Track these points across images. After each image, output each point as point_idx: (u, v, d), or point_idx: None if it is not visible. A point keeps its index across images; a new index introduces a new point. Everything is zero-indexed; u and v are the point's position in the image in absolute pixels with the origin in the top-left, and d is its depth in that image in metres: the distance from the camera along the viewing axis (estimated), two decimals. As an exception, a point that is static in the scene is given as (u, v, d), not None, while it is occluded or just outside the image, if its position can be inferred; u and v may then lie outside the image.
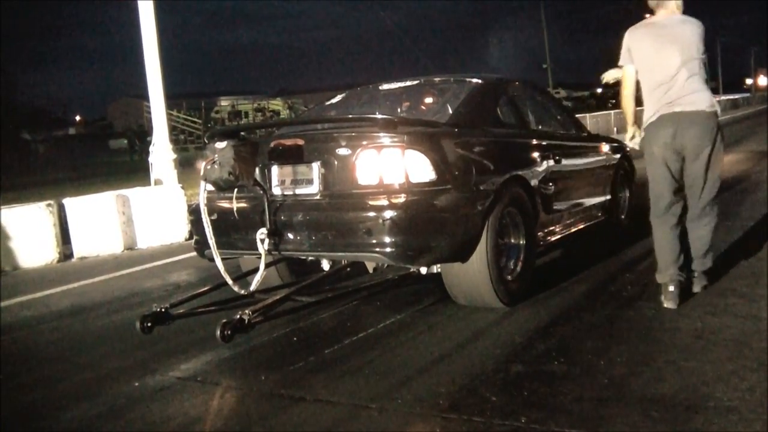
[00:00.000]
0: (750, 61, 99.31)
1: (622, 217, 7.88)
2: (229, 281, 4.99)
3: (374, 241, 4.63)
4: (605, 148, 7.58)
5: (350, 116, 5.80)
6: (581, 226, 6.77)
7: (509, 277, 5.35)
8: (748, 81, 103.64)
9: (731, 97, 67.60)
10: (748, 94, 78.35)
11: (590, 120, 26.46)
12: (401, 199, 4.64)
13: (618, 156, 7.80)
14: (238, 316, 4.24)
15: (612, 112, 33.14)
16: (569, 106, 45.58)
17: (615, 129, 29.47)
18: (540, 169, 5.87)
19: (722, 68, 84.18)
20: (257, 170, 5.05)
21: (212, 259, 5.09)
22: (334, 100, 6.74)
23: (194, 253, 5.73)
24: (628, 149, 8.26)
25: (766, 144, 19.14)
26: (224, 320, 4.19)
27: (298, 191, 5.01)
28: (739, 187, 11.04)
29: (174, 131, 41.59)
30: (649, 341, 4.40)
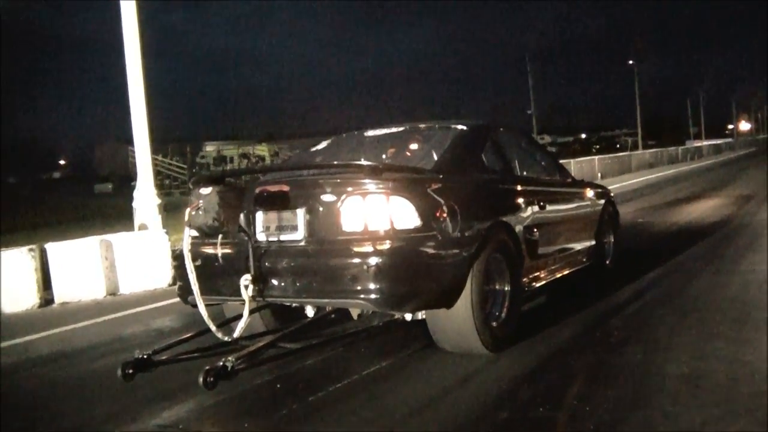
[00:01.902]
0: (731, 106, 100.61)
1: (607, 262, 7.90)
2: (213, 328, 4.95)
3: (359, 288, 4.61)
4: (590, 193, 7.63)
5: (335, 162, 5.81)
6: (566, 272, 6.78)
7: (494, 324, 5.33)
8: (730, 126, 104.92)
9: (714, 142, 68.34)
10: (730, 139, 79.24)
11: (575, 165, 26.63)
12: (386, 245, 4.63)
13: (603, 201, 7.85)
14: (222, 363, 4.19)
15: (596, 157, 33.40)
16: (554, 151, 45.96)
17: (599, 174, 29.67)
18: (525, 215, 5.89)
19: (704, 114, 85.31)
20: (242, 216, 5.04)
21: (195, 305, 5.04)
22: (319, 147, 6.76)
23: (178, 299, 5.68)
24: (612, 195, 8.34)
25: (749, 188, 19.34)
26: (207, 367, 4.14)
27: (282, 237, 4.99)
28: (724, 231, 11.12)
29: (159, 176, 41.55)
30: (636, 386, 4.37)
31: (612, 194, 8.40)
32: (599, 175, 29.55)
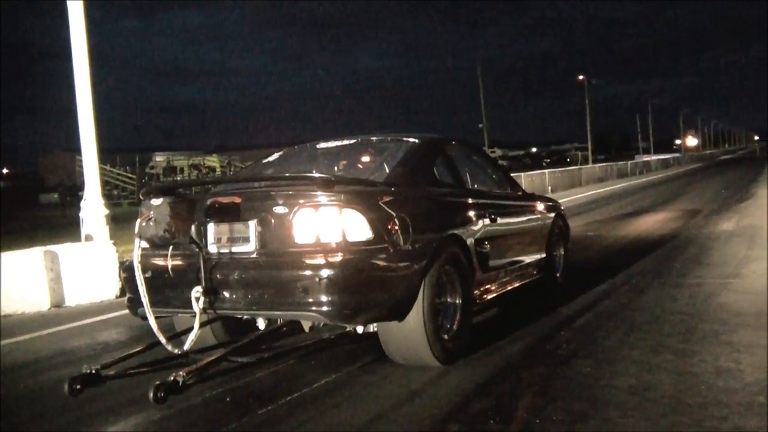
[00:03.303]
0: (679, 122, 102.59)
1: (558, 275, 7.98)
2: (163, 341, 4.88)
3: (311, 300, 4.59)
4: (540, 206, 7.70)
5: (288, 174, 5.79)
6: (517, 284, 6.84)
7: (446, 336, 5.34)
8: (678, 141, 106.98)
9: (662, 157, 69.54)
10: (678, 155, 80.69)
11: (525, 179, 26.87)
12: (338, 257, 4.63)
13: (553, 215, 7.93)
14: (172, 378, 4.14)
15: (547, 171, 33.77)
16: (505, 165, 46.35)
17: (550, 188, 30.01)
18: (476, 228, 5.92)
19: (653, 129, 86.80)
20: (193, 228, 4.98)
21: (145, 318, 4.97)
22: (271, 158, 6.73)
23: (125, 311, 5.61)
24: (562, 208, 8.43)
25: (695, 202, 19.72)
26: (157, 381, 4.09)
27: (234, 249, 4.95)
28: (672, 244, 11.31)
29: (107, 186, 41.03)
30: (585, 399, 4.41)
31: (562, 208, 8.50)
32: (550, 188, 29.89)
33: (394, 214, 4.95)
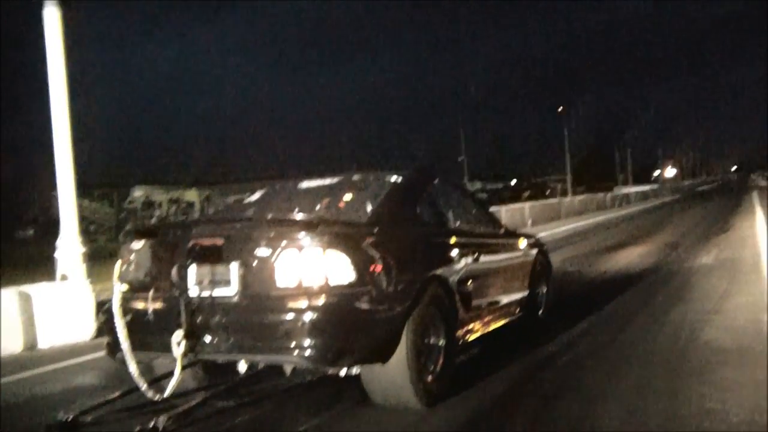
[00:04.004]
0: (658, 153, 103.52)
1: (540, 312, 7.95)
2: (143, 386, 4.80)
3: (293, 344, 4.55)
4: (522, 244, 7.70)
5: (270, 216, 5.75)
6: (500, 323, 6.81)
7: (429, 378, 5.28)
8: (656, 172, 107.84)
9: (641, 188, 69.95)
10: (656, 186, 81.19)
11: (505, 213, 26.89)
12: (321, 300, 4.59)
13: (534, 252, 7.93)
14: (152, 425, 4.07)
15: (526, 204, 33.84)
16: (485, 198, 46.50)
17: (530, 221, 30.05)
18: (459, 267, 5.90)
19: (632, 160, 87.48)
20: (174, 270, 4.93)
21: (124, 363, 4.90)
22: (252, 198, 6.69)
23: (101, 353, 5.50)
24: (544, 245, 8.43)
25: (675, 235, 19.83)
26: (138, 428, 4.01)
27: (215, 292, 4.89)
28: (652, 279, 11.36)
29: (84, 221, 40.66)
30: (570, 441, 4.38)
31: (544, 244, 8.50)
32: (530, 221, 29.91)
33: (378, 256, 4.92)
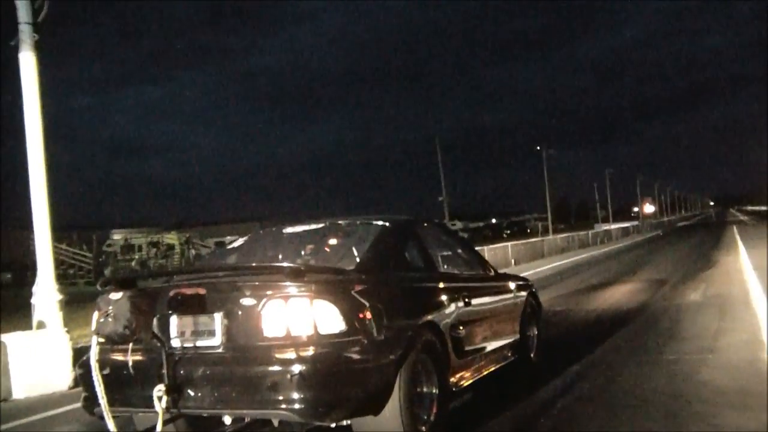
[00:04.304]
0: (637, 190, 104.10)
1: (532, 355, 7.75)
2: (122, 445, 4.55)
3: (281, 398, 4.33)
4: (512, 286, 7.53)
5: (255, 264, 5.54)
6: (492, 368, 6.61)
7: (423, 428, 5.07)
8: (635, 209, 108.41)
9: (621, 225, 70.23)
10: (636, 222, 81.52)
11: (489, 252, 26.71)
12: (310, 351, 4.39)
13: (525, 294, 7.76)
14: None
15: (509, 243, 33.73)
16: (467, 237, 46.34)
17: (513, 260, 29.93)
18: (450, 313, 5.72)
19: (611, 197, 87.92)
20: (155, 321, 4.71)
21: (102, 418, 4.65)
22: (236, 244, 6.50)
23: (78, 404, 5.23)
24: (534, 287, 8.26)
25: (660, 272, 19.75)
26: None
27: (199, 344, 4.67)
28: (642, 318, 11.20)
29: (62, 265, 40.13)
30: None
31: (533, 285, 8.33)
32: (513, 261, 29.79)
33: (368, 304, 4.73)
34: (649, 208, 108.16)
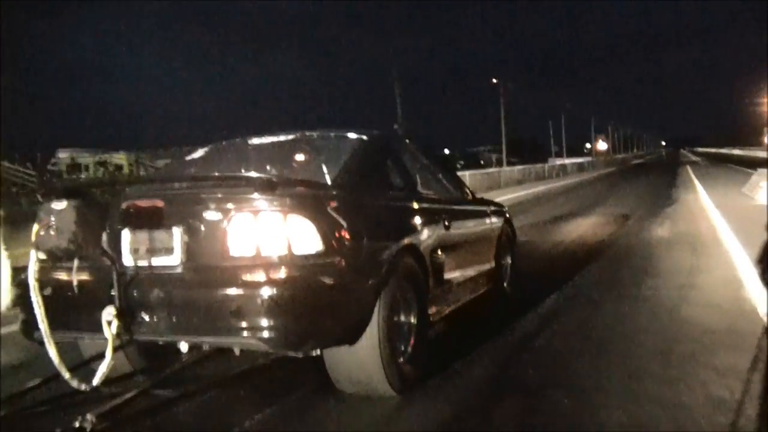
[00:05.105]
0: (590, 128, 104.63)
1: (506, 285, 7.35)
2: (65, 374, 4.02)
3: (247, 325, 3.84)
4: (490, 211, 7.07)
5: (220, 174, 4.95)
6: (469, 298, 6.19)
7: (401, 360, 4.65)
8: (588, 146, 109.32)
9: (576, 160, 70.59)
10: (590, 158, 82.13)
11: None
12: (282, 274, 3.87)
13: (501, 220, 7.32)
14: (77, 425, 3.32)
15: (467, 173, 33.41)
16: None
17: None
18: (431, 236, 5.25)
19: (565, 134, 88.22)
20: (104, 236, 4.15)
21: (43, 343, 4.11)
22: (195, 155, 5.87)
23: (16, 327, 4.69)
24: (509, 213, 7.83)
25: (623, 206, 19.58)
26: (58, 430, 3.26)
27: (155, 262, 4.11)
28: (612, 251, 10.92)
29: (5, 183, 38.87)
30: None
31: (508, 212, 7.89)
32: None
33: (347, 222, 4.22)
34: (602, 146, 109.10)
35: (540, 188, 34.18)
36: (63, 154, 51.49)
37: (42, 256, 4.06)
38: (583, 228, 14.46)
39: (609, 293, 7.57)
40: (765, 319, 6.01)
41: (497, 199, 9.44)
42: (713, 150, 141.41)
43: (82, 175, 46.12)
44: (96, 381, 4.04)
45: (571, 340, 5.80)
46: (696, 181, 30.96)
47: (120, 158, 49.07)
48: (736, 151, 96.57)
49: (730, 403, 4.17)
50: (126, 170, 47.27)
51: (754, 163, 34.27)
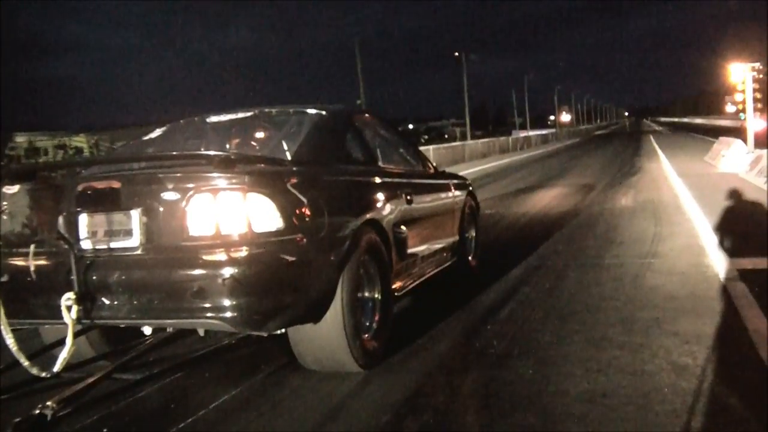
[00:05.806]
0: (553, 98, 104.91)
1: (470, 258, 7.36)
2: (24, 362, 3.95)
3: (210, 305, 3.80)
4: (452, 184, 7.06)
5: (177, 153, 4.87)
6: (433, 272, 6.18)
7: (366, 336, 4.64)
8: (552, 117, 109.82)
9: (540, 132, 70.85)
10: (554, 130, 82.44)
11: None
12: (243, 252, 3.82)
13: (464, 193, 7.31)
14: (38, 411, 3.27)
15: (431, 147, 33.42)
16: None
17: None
18: (393, 210, 5.23)
19: (528, 106, 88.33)
20: (60, 219, 4.07)
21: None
22: (152, 135, 5.77)
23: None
24: (472, 186, 7.83)
25: (586, 177, 19.70)
26: (17, 419, 3.21)
27: (113, 245, 4.03)
28: (576, 221, 10.99)
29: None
30: (536, 410, 3.80)
31: (472, 185, 7.89)
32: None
33: (308, 199, 4.18)
34: (565, 117, 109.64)
35: (504, 161, 34.29)
36: (20, 138, 50.56)
37: (-4, 242, 3.97)
38: (548, 199, 14.53)
39: (573, 263, 7.62)
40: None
41: (462, 173, 9.46)
42: (676, 119, 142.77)
43: (41, 159, 45.38)
44: (57, 367, 3.96)
45: (535, 310, 5.84)
46: (659, 151, 31.24)
47: (79, 141, 48.29)
48: (699, 120, 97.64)
49: (693, 369, 4.22)
50: (87, 153, 46.55)
51: (717, 132, 34.66)
